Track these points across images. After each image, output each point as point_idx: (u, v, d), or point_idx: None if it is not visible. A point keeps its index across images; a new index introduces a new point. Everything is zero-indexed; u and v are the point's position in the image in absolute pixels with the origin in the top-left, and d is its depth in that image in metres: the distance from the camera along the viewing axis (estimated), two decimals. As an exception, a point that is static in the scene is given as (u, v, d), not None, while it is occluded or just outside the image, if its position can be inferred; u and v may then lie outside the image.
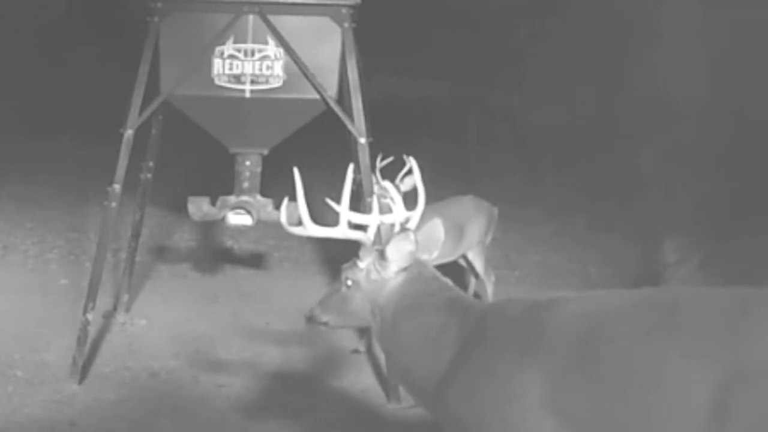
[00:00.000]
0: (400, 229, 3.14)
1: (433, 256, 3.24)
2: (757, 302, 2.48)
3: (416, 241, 3.02)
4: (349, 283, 3.13)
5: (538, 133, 10.65)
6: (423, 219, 3.37)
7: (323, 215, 3.89)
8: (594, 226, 8.27)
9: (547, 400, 2.58)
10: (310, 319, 3.28)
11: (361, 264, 3.12)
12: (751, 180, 7.99)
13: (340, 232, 3.21)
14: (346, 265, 3.18)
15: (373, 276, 3.09)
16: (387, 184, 3.49)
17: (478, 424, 2.75)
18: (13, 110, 10.21)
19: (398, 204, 3.36)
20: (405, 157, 5.14)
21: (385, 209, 4.59)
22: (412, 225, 3.29)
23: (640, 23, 9.91)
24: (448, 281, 3.16)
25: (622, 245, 7.62)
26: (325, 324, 3.27)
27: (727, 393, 2.32)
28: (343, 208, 3.24)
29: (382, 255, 3.06)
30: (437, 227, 3.26)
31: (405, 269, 3.06)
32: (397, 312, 3.04)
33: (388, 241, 3.06)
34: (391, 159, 5.53)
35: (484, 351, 2.79)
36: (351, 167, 3.42)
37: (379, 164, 5.46)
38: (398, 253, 3.02)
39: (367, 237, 3.19)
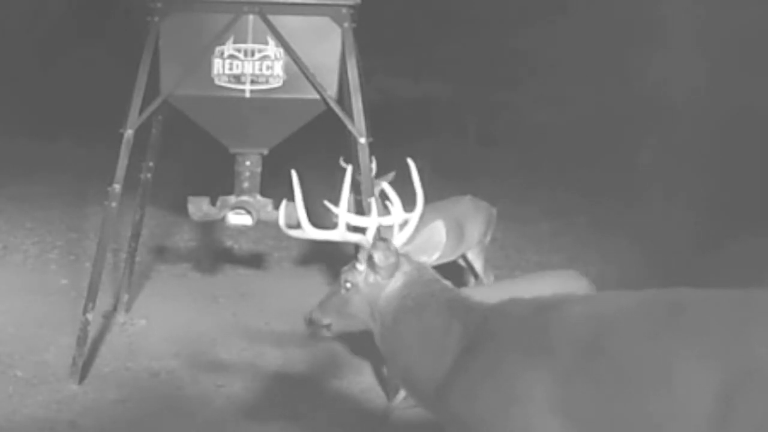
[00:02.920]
0: (377, 237, 3.12)
1: (434, 258, 3.24)
2: (762, 303, 2.47)
3: (396, 251, 3.03)
4: (348, 285, 3.14)
5: (539, 133, 10.65)
6: (423, 219, 3.35)
7: (323, 216, 3.90)
8: (594, 226, 8.27)
9: (552, 400, 2.57)
10: (311, 322, 3.29)
11: (360, 267, 3.12)
12: (752, 180, 7.99)
13: (339, 234, 3.21)
14: (345, 268, 3.18)
15: (372, 279, 3.09)
16: (385, 185, 3.47)
17: (481, 425, 2.74)
18: (13, 110, 10.22)
19: (397, 206, 3.35)
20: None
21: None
22: (410, 227, 3.28)
23: (640, 23, 9.91)
24: (448, 283, 3.15)
25: (622, 245, 7.61)
26: (327, 327, 3.28)
27: (733, 393, 2.32)
28: (341, 211, 3.23)
29: (370, 261, 3.06)
30: (439, 230, 3.26)
31: (404, 272, 3.05)
32: (399, 314, 3.03)
33: (374, 248, 3.05)
34: (393, 174, 5.48)
35: (488, 352, 2.78)
36: (349, 169, 3.41)
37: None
38: (385, 260, 3.03)
39: (366, 239, 3.18)
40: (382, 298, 3.07)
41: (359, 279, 3.12)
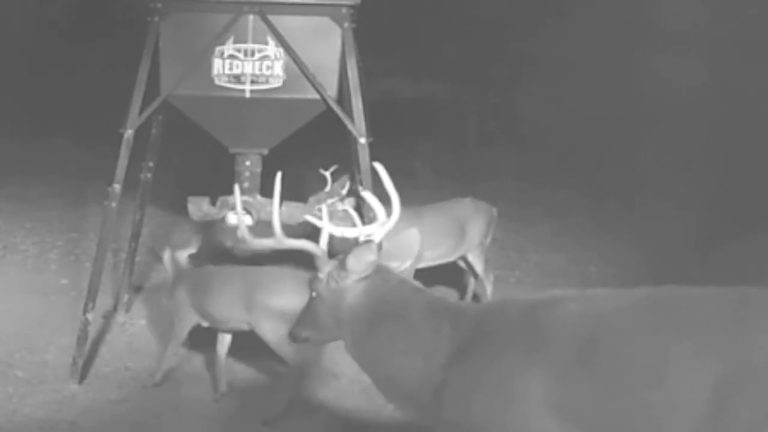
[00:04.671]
0: (363, 240, 3.02)
1: (406, 265, 3.15)
2: (758, 301, 2.48)
3: (378, 252, 2.94)
4: (314, 294, 3.06)
5: (538, 133, 10.66)
6: (423, 218, 3.29)
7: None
8: (594, 226, 8.28)
9: (549, 400, 2.57)
10: (293, 337, 3.22)
11: (321, 274, 3.03)
12: (751, 180, 7.99)
13: (279, 242, 3.08)
14: (311, 276, 3.11)
15: (332, 285, 2.99)
16: (366, 194, 3.35)
17: (478, 426, 2.72)
18: (13, 110, 10.21)
19: (379, 213, 3.24)
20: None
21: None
22: (382, 232, 3.14)
23: (640, 23, 9.92)
24: (418, 284, 3.06)
25: (622, 245, 7.62)
26: (306, 340, 3.21)
27: (729, 391, 2.33)
28: (275, 223, 3.10)
29: (342, 265, 2.96)
30: (414, 237, 3.18)
31: (366, 277, 2.96)
32: (375, 320, 2.94)
33: (349, 251, 2.95)
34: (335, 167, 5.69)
35: (484, 353, 2.76)
36: (279, 177, 3.30)
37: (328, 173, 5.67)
38: (359, 264, 2.92)
39: (317, 247, 3.06)
40: (344, 305, 2.98)
41: (320, 286, 3.03)
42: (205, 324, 4.91)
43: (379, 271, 2.98)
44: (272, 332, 4.56)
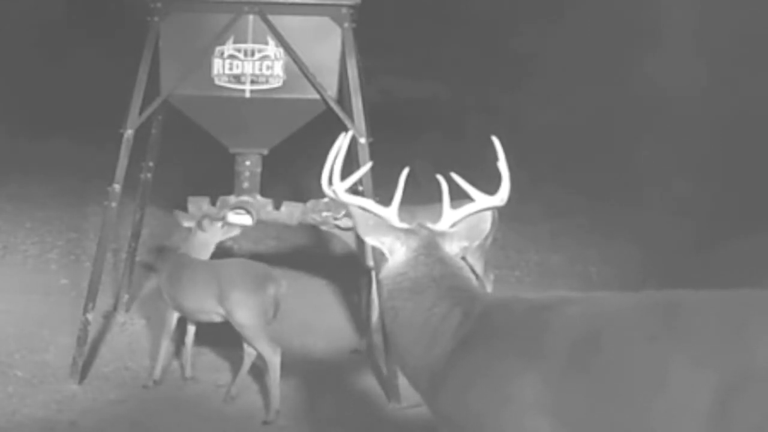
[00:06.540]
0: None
1: (475, 244, 3.22)
2: (760, 304, 2.46)
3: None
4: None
5: (538, 133, 10.64)
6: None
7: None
8: (594, 226, 8.27)
9: (545, 403, 2.56)
10: None
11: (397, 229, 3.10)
12: (751, 180, 7.99)
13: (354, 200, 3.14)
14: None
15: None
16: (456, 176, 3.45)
17: (472, 425, 2.71)
18: (13, 110, 10.21)
19: (473, 193, 3.34)
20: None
21: None
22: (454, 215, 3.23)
23: (639, 24, 9.92)
24: (461, 265, 3.05)
25: (622, 245, 7.61)
26: None
27: (730, 396, 2.31)
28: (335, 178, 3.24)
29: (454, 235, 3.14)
30: (485, 217, 3.28)
31: (409, 248, 2.98)
32: (394, 291, 2.95)
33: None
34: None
35: (483, 349, 2.74)
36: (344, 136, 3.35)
37: None
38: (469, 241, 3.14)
39: (389, 210, 3.11)
40: (382, 270, 3.02)
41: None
42: (177, 314, 4.96)
43: (425, 247, 3.00)
44: (245, 325, 4.65)
